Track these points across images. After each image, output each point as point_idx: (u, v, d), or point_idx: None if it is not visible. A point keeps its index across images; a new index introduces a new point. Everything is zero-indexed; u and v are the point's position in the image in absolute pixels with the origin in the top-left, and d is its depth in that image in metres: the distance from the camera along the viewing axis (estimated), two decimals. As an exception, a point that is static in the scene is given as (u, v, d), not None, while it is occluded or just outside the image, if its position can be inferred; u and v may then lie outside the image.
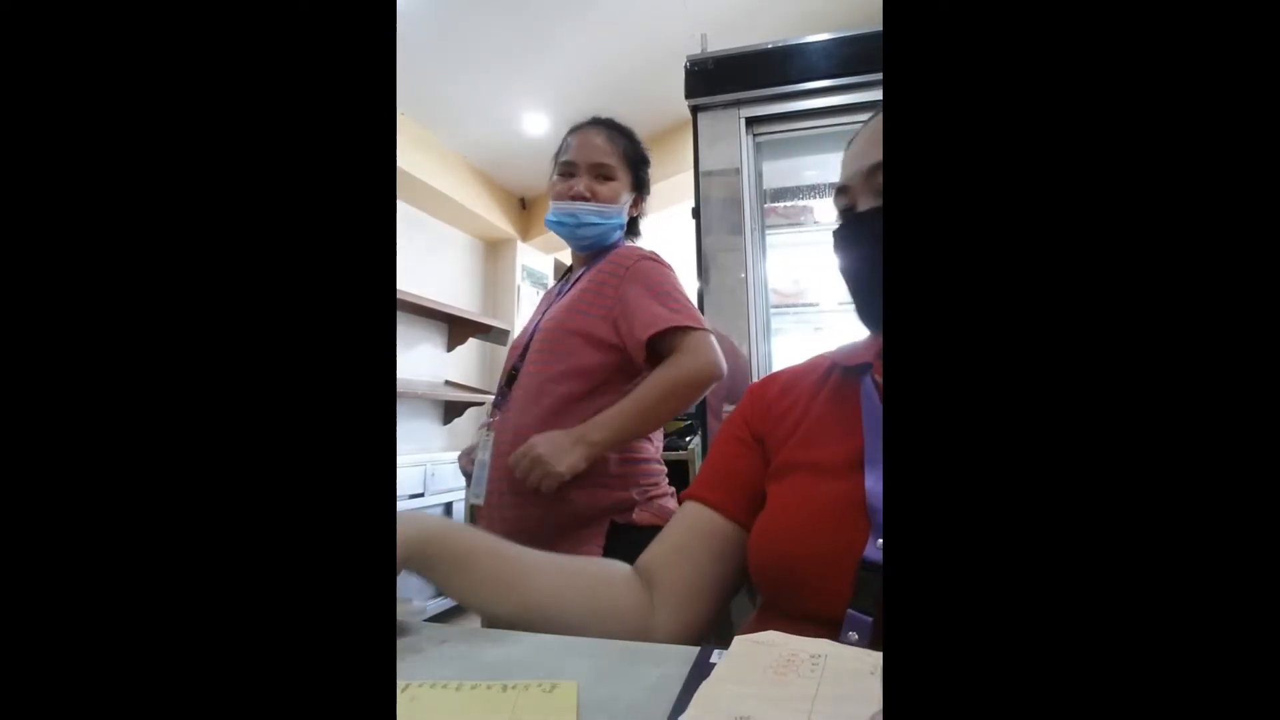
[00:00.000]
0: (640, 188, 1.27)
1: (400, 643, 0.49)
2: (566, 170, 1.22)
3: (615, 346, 1.13)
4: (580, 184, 1.19)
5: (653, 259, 1.19)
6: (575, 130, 1.25)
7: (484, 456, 1.14)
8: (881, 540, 0.51)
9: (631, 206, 1.26)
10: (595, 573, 0.61)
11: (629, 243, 1.27)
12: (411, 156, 3.23)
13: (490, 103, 3.21)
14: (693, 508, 0.65)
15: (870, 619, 0.50)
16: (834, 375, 0.67)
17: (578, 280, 1.22)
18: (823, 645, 0.39)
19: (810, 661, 0.37)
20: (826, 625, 0.51)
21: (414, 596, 2.74)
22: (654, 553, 0.64)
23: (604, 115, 1.29)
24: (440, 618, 2.87)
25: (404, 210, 3.47)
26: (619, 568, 0.62)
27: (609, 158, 1.22)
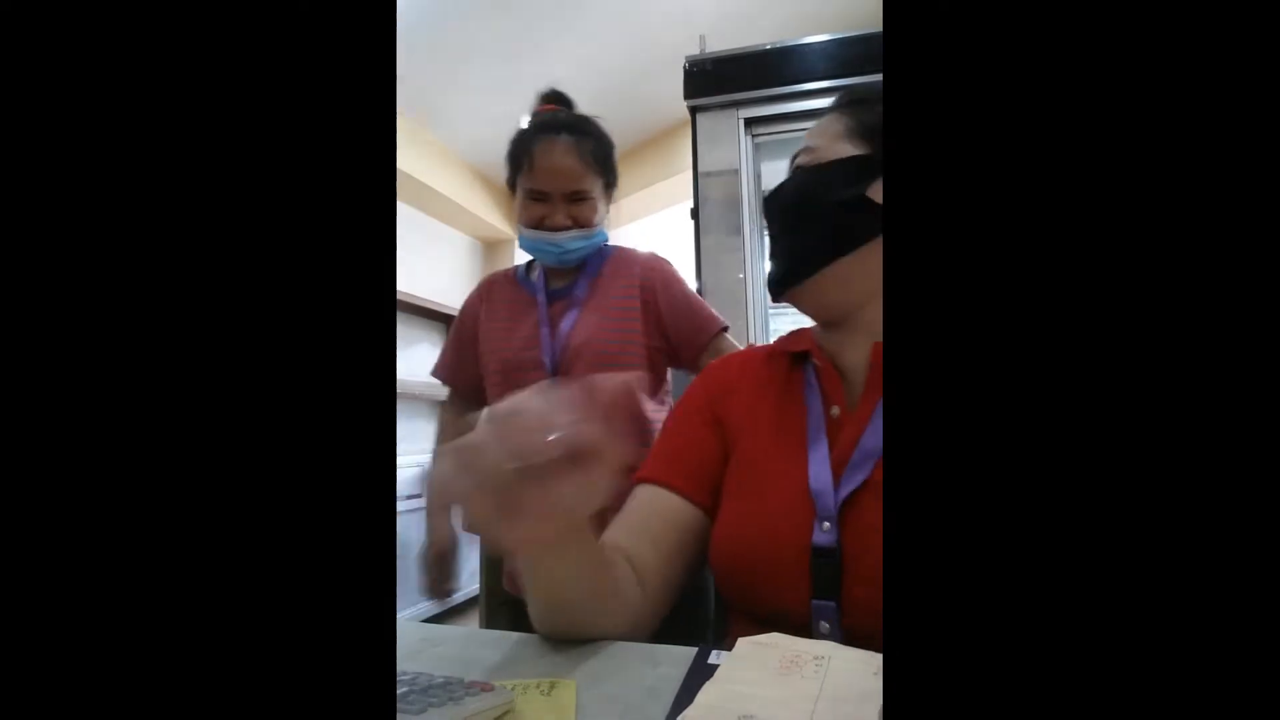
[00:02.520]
0: (611, 185, 1.15)
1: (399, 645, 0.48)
2: (538, 196, 1.08)
3: (658, 349, 1.11)
4: (559, 215, 1.07)
5: (665, 260, 1.17)
6: (535, 142, 1.07)
7: None
8: (828, 523, 0.51)
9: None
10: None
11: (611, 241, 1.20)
12: (409, 156, 3.23)
13: (488, 102, 3.20)
14: (650, 491, 0.62)
15: (833, 603, 0.49)
16: (781, 363, 0.66)
17: (592, 292, 1.12)
18: (825, 647, 0.39)
19: (814, 662, 0.37)
20: (792, 620, 0.50)
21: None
22: (618, 538, 0.58)
23: (561, 114, 1.13)
24: (438, 619, 2.87)
25: (401, 210, 3.47)
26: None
27: (583, 180, 1.08)
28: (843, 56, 1.66)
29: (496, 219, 3.97)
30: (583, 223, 1.09)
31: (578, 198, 1.09)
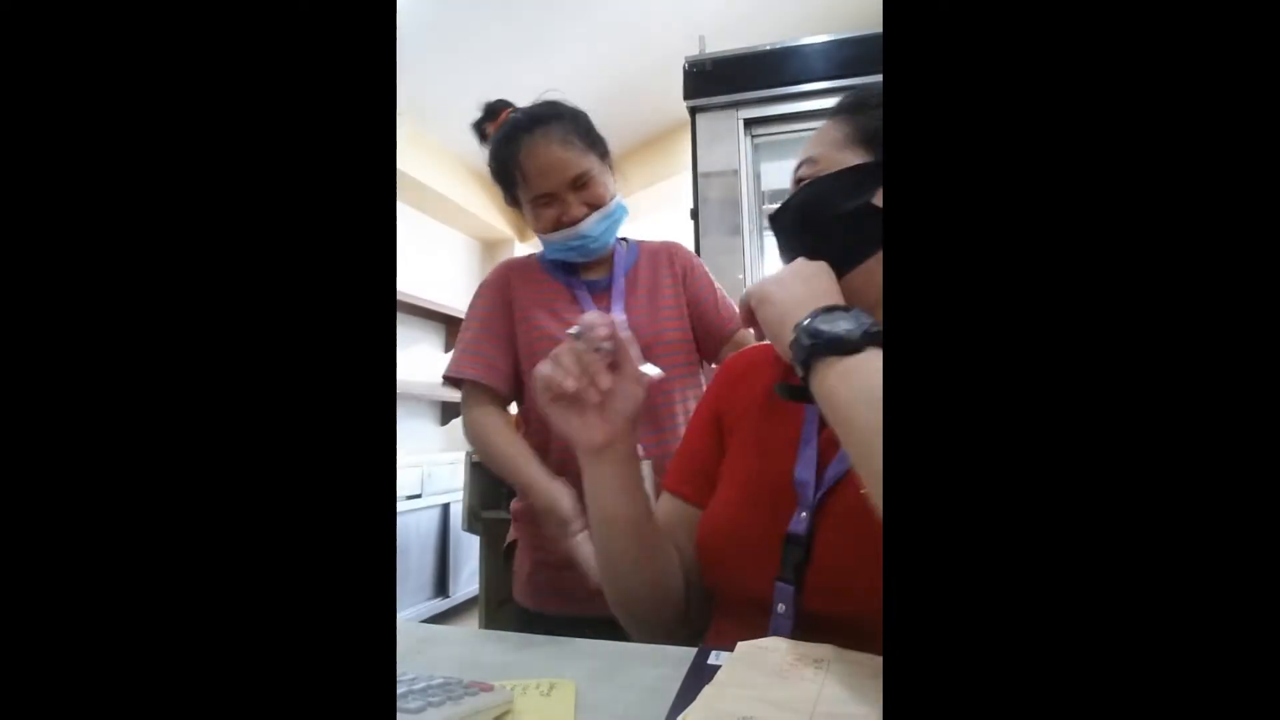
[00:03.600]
0: (605, 154, 1.08)
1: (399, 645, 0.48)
2: (545, 201, 1.03)
3: (691, 340, 1.11)
4: (573, 207, 1.03)
5: (685, 247, 1.17)
6: (517, 150, 1.03)
7: None
8: (805, 513, 0.54)
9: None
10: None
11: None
12: (408, 156, 3.23)
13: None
14: (669, 501, 0.67)
15: (793, 587, 0.52)
16: (785, 363, 0.67)
17: (635, 283, 1.10)
18: (825, 650, 0.39)
19: (814, 665, 0.37)
20: (759, 603, 0.53)
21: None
22: None
23: (520, 111, 1.08)
24: (438, 619, 2.87)
25: (401, 210, 3.47)
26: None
27: (580, 162, 1.03)
28: (842, 57, 1.66)
29: (495, 219, 3.97)
30: (596, 204, 1.04)
31: (582, 182, 1.03)
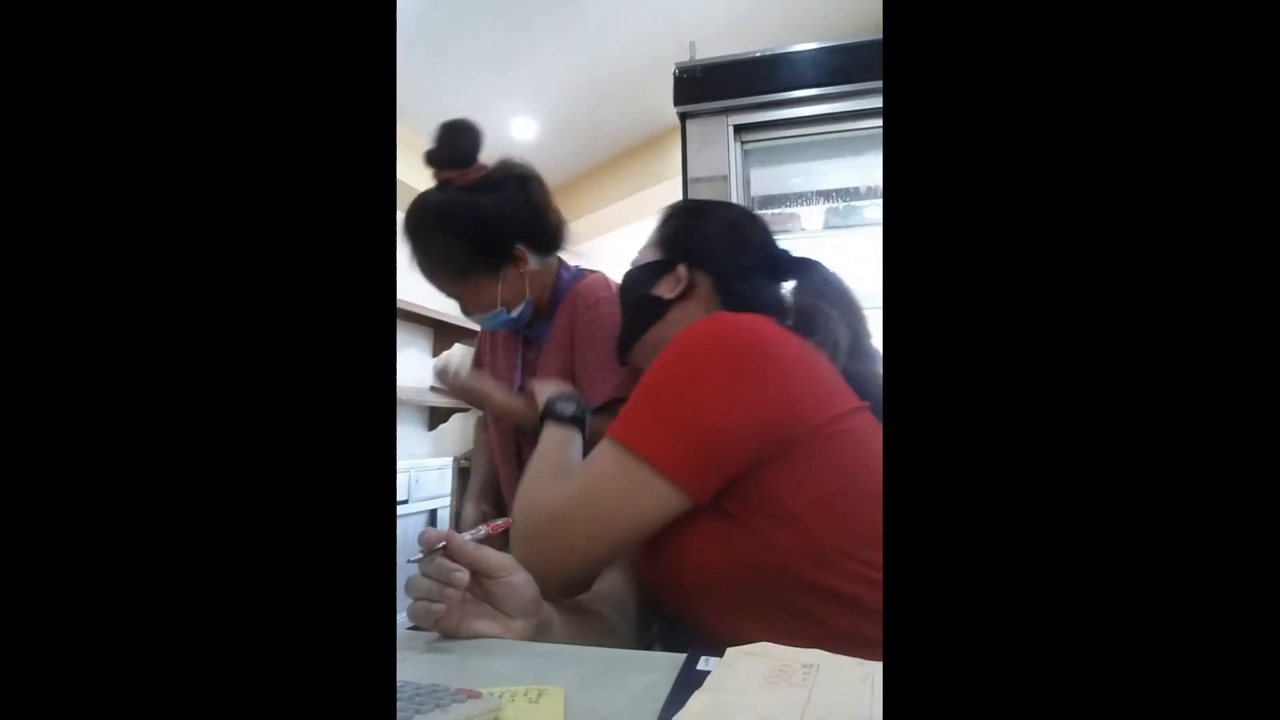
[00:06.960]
0: (499, 260, 1.02)
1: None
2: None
3: None
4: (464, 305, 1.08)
5: (590, 289, 1.07)
6: (412, 244, 1.09)
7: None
8: None
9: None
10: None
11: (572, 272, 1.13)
12: (399, 161, 3.22)
13: (479, 108, 3.19)
14: None
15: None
16: None
17: (551, 335, 1.09)
18: (815, 655, 0.39)
19: (802, 671, 0.37)
20: None
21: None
22: (600, 586, 0.74)
23: (411, 215, 1.10)
24: (425, 625, 2.85)
25: (391, 214, 3.45)
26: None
27: (453, 289, 1.06)
28: (832, 64, 1.67)
29: (486, 224, 3.97)
30: (477, 310, 1.06)
31: (461, 297, 1.06)
